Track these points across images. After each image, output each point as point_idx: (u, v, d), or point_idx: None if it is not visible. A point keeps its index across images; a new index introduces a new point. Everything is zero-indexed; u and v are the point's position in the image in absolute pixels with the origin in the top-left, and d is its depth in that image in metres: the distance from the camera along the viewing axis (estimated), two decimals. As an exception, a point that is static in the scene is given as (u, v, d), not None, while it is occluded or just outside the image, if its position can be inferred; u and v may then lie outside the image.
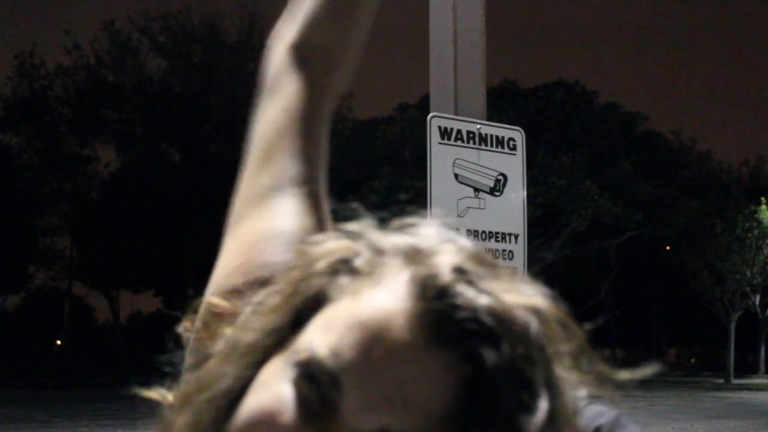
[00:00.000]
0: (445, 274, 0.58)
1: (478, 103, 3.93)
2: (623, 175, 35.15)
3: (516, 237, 3.83)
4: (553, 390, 0.57)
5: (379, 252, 0.63)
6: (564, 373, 0.58)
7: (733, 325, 39.61)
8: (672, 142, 46.42)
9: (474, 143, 3.75)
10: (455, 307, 0.56)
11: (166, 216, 43.61)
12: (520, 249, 3.84)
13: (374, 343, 0.57)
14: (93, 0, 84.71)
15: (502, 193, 3.80)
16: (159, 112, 44.74)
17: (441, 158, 3.66)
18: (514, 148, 3.88)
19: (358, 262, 0.62)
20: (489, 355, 0.55)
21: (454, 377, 0.56)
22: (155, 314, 64.25)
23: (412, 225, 0.65)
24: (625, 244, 37.32)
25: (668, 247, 41.97)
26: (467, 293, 0.57)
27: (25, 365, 49.18)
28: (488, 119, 3.94)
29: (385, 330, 0.57)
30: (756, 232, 37.16)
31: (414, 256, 0.61)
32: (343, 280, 0.62)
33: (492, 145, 3.80)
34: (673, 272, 43.27)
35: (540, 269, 35.82)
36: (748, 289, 38.85)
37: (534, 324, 0.57)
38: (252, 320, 0.65)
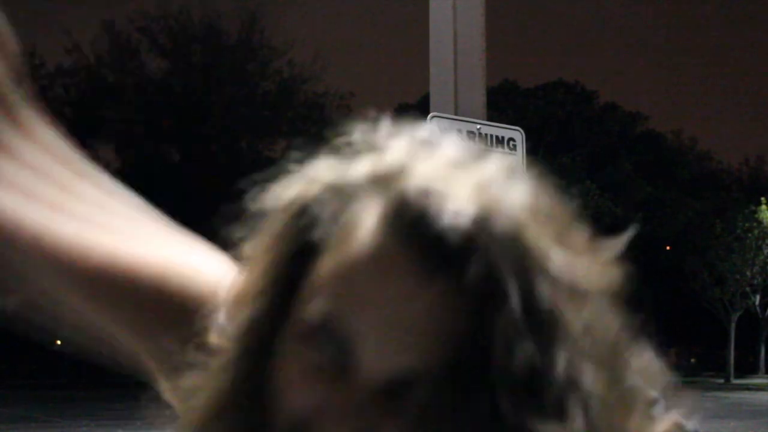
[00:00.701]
0: (415, 200, 0.56)
1: (478, 103, 3.93)
2: (623, 175, 35.17)
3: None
4: (533, 291, 0.55)
5: (341, 193, 0.59)
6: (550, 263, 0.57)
7: (733, 325, 39.61)
8: (672, 142, 46.45)
9: (474, 143, 3.75)
10: (434, 234, 0.55)
11: (166, 216, 43.65)
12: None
13: (370, 294, 0.56)
14: (93, 0, 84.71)
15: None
16: (159, 112, 44.76)
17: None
18: (514, 148, 3.88)
19: (325, 213, 0.59)
20: (475, 272, 0.54)
21: (449, 301, 0.56)
22: (155, 314, 64.39)
23: (383, 139, 0.62)
24: (625, 244, 37.38)
25: (668, 247, 41.99)
26: (443, 215, 0.55)
27: (25, 365, 49.21)
28: (488, 119, 3.95)
29: (376, 277, 0.56)
30: (756, 232, 37.16)
31: (379, 185, 0.58)
32: (316, 235, 0.59)
33: (492, 145, 3.80)
34: (673, 272, 43.28)
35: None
36: (748, 289, 38.85)
37: (515, 231, 0.56)
38: (241, 305, 0.63)
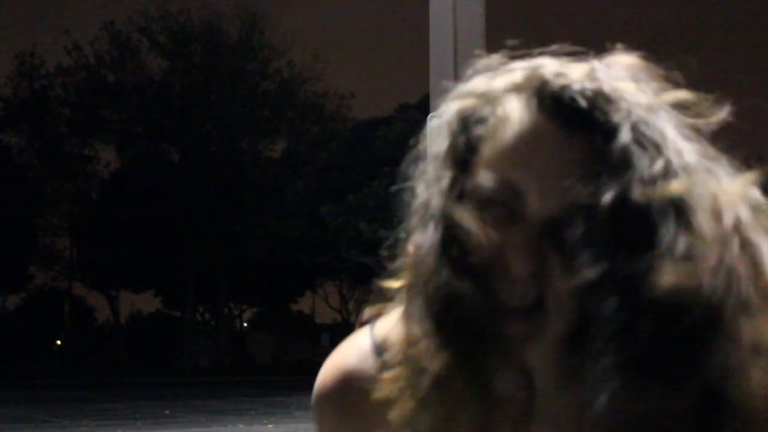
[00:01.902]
0: (552, 81, 0.78)
1: (478, 103, 3.94)
2: (623, 175, 35.32)
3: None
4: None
5: (491, 98, 0.81)
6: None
7: (733, 325, 39.75)
8: (672, 142, 46.52)
9: (474, 143, 3.75)
10: (569, 102, 0.76)
11: (166, 216, 43.61)
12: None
13: (529, 155, 0.75)
14: (93, 0, 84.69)
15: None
16: (159, 112, 44.76)
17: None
18: (514, 148, 3.88)
19: (482, 113, 0.80)
20: (598, 121, 0.75)
21: (586, 149, 0.74)
22: (155, 314, 64.21)
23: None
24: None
25: (668, 247, 42.06)
26: (574, 87, 0.76)
27: (25, 365, 49.19)
28: (488, 119, 3.95)
29: (531, 143, 0.76)
30: (756, 232, 37.30)
31: (519, 86, 0.80)
32: (477, 131, 0.79)
33: (492, 145, 3.80)
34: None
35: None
36: (748, 289, 38.98)
37: (618, 91, 0.77)
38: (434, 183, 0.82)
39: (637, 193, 0.71)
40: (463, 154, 0.80)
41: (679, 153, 0.75)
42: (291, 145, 48.96)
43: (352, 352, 0.93)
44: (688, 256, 0.69)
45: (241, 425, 15.87)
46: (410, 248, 0.84)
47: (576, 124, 0.75)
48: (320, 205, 33.62)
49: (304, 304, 74.50)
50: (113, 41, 45.64)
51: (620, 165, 0.73)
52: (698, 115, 0.80)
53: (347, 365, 0.92)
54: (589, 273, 0.71)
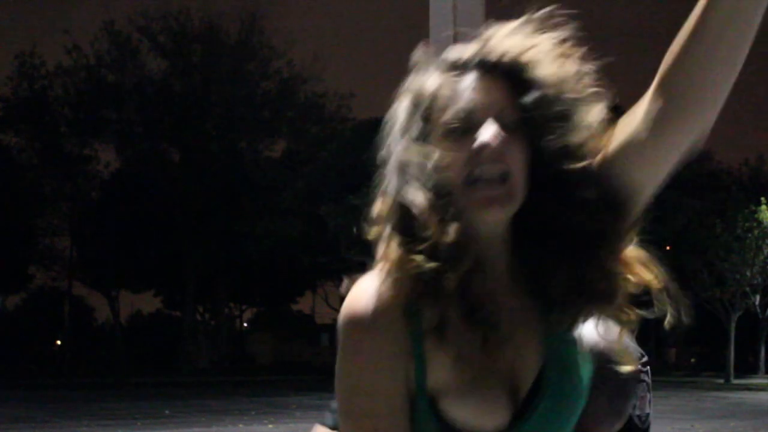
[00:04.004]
0: (473, 54, 1.17)
1: (478, 103, 3.93)
2: (623, 175, 35.17)
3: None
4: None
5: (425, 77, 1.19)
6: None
7: (733, 325, 39.59)
8: (672, 142, 46.34)
9: (474, 143, 3.74)
10: (485, 60, 1.15)
11: (166, 216, 43.60)
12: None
13: (467, 98, 1.13)
14: (93, 0, 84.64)
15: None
16: (159, 112, 44.73)
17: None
18: (514, 148, 3.87)
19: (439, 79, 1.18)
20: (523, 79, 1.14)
21: (506, 89, 1.13)
22: (155, 314, 64.20)
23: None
24: (625, 244, 37.28)
25: (668, 247, 41.95)
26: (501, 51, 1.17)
27: (25, 365, 49.15)
28: (488, 119, 3.94)
29: (470, 86, 1.14)
30: (756, 232, 37.12)
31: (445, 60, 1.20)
32: (425, 101, 1.17)
33: (492, 145, 3.80)
34: (673, 272, 43.17)
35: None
36: (748, 289, 38.82)
37: (530, 56, 1.14)
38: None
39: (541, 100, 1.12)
40: (426, 109, 1.15)
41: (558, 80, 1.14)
42: (291, 145, 48.94)
43: (366, 288, 1.17)
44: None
45: (241, 425, 15.88)
46: (385, 198, 1.18)
47: (490, 77, 1.13)
48: (320, 205, 33.60)
49: (304, 304, 74.53)
50: (113, 41, 45.60)
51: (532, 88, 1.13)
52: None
53: (369, 292, 1.15)
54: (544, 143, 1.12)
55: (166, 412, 18.91)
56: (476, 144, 1.09)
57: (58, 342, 58.65)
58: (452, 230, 1.09)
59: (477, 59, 1.14)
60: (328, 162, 36.34)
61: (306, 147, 46.15)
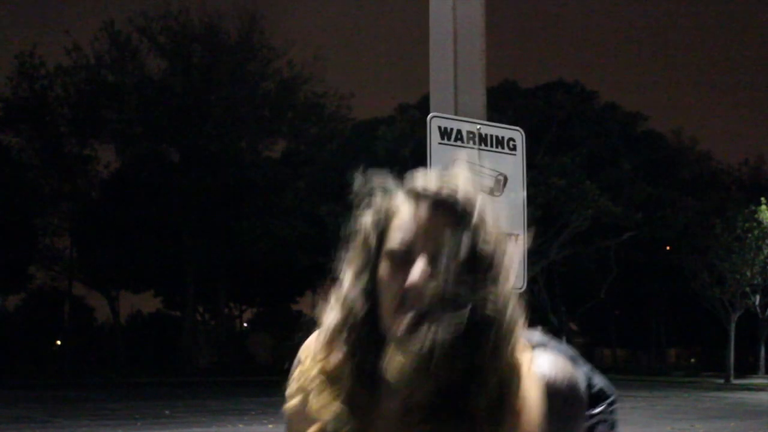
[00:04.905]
0: (431, 184, 1.29)
1: (478, 103, 3.93)
2: (623, 175, 35.13)
3: (516, 237, 3.83)
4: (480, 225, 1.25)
5: (389, 199, 1.35)
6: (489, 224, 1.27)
7: (733, 325, 39.58)
8: (672, 142, 46.43)
9: (474, 143, 3.75)
10: (439, 194, 1.27)
11: (165, 216, 43.59)
12: (519, 249, 3.84)
13: (414, 227, 1.27)
14: (93, 0, 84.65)
15: (502, 193, 3.79)
16: (159, 112, 44.71)
17: (441, 158, 3.66)
18: (514, 148, 3.87)
19: (385, 205, 1.34)
20: (459, 212, 1.25)
21: (449, 224, 1.24)
22: (155, 314, 64.19)
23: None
24: (625, 244, 37.29)
25: (668, 247, 41.94)
26: (448, 190, 1.27)
27: (25, 365, 49.17)
28: (488, 119, 3.94)
29: (414, 218, 1.28)
30: (756, 232, 37.12)
31: (409, 189, 1.33)
32: (383, 219, 1.32)
33: (492, 145, 3.80)
34: (673, 272, 43.22)
35: (540, 269, 35.80)
36: (748, 289, 38.81)
37: (477, 201, 1.26)
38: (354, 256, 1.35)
39: (480, 247, 1.25)
40: (380, 230, 1.31)
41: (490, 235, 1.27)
42: (291, 145, 48.95)
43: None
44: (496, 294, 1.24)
45: (241, 425, 15.87)
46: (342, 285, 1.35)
47: (439, 211, 1.26)
48: (320, 205, 33.60)
49: (304, 304, 74.39)
50: (113, 41, 45.60)
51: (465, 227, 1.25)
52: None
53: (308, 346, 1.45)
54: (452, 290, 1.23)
55: (166, 412, 18.91)
56: (407, 281, 1.23)
57: (58, 342, 58.66)
58: (336, 360, 1.31)
59: (435, 194, 1.28)
60: (328, 162, 36.33)
61: (306, 147, 46.15)
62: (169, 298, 56.74)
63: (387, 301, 1.26)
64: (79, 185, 47.12)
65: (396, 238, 1.27)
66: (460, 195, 1.26)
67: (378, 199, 1.35)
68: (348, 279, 1.34)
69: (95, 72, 45.96)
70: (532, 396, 1.27)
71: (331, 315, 1.33)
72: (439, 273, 1.22)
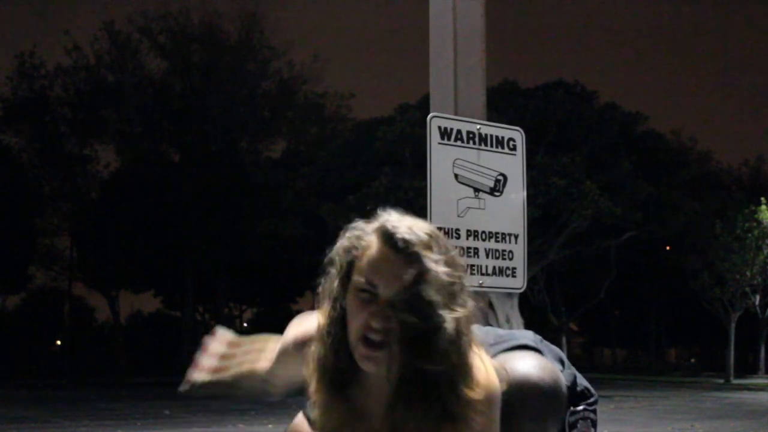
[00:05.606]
0: (390, 229, 1.53)
1: (478, 103, 3.93)
2: (623, 175, 35.09)
3: (516, 237, 3.83)
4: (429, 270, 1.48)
5: (361, 235, 1.58)
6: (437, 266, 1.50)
7: (733, 325, 39.54)
8: (672, 142, 46.36)
9: (474, 143, 3.74)
10: (398, 238, 1.50)
11: (165, 216, 43.57)
12: (520, 249, 3.84)
13: (380, 265, 1.51)
14: (93, 0, 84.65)
15: (502, 193, 3.79)
16: (159, 112, 44.70)
17: (441, 158, 3.65)
18: (514, 148, 3.87)
19: (357, 244, 1.57)
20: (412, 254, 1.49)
21: (406, 267, 1.48)
22: (155, 314, 64.18)
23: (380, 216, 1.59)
24: (625, 244, 37.26)
25: (668, 247, 41.91)
26: (404, 233, 1.51)
27: (25, 365, 49.15)
28: (488, 119, 3.94)
29: (381, 258, 1.52)
30: (756, 232, 37.09)
31: (376, 229, 1.56)
32: (354, 253, 1.56)
33: (492, 145, 3.80)
34: (673, 272, 43.19)
35: (540, 269, 35.78)
36: (748, 289, 38.79)
37: (428, 243, 1.51)
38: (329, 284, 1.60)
39: (428, 290, 1.48)
40: (347, 265, 1.55)
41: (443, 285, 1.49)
42: (291, 145, 48.92)
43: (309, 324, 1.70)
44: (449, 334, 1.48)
45: (241, 425, 15.85)
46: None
47: (400, 252, 1.49)
48: (320, 205, 33.59)
49: (304, 304, 74.29)
50: (113, 41, 45.58)
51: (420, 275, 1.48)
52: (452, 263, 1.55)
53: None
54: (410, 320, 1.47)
55: (166, 412, 18.90)
56: (368, 320, 1.48)
57: (58, 342, 58.64)
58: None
59: (404, 243, 1.49)
60: (328, 162, 36.29)
61: (306, 147, 46.13)
62: (169, 298, 56.71)
63: (352, 328, 1.50)
64: (79, 185, 47.10)
65: (361, 276, 1.50)
66: (420, 240, 1.49)
67: (353, 233, 1.57)
68: (325, 308, 1.59)
69: (95, 72, 45.95)
70: (487, 392, 1.52)
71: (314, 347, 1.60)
72: (396, 313, 1.45)
